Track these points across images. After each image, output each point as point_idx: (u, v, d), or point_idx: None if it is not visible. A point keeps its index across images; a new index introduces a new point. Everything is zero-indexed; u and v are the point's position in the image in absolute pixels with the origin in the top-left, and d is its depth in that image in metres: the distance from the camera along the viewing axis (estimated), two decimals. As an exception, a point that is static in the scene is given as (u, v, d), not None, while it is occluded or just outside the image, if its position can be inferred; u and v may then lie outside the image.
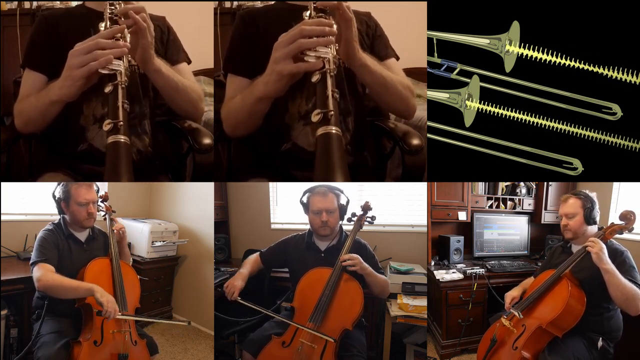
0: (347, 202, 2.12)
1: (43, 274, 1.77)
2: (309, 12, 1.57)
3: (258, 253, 2.24)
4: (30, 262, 1.85)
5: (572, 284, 1.78)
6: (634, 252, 1.86)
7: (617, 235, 1.83)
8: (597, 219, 1.95)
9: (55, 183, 1.94)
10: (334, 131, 1.46)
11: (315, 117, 1.47)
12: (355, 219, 2.11)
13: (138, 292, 2.01)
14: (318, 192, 2.07)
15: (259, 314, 1.93)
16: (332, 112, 1.47)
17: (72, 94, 1.63)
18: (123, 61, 1.58)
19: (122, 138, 1.52)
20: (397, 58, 1.95)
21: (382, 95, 1.80)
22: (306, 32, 1.51)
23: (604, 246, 1.74)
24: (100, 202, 2.08)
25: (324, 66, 1.51)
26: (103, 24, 1.63)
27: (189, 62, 2.03)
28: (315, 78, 1.52)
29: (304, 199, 2.12)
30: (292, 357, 1.78)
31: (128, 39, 1.62)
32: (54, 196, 1.97)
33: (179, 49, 2.00)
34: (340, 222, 2.13)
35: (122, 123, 1.53)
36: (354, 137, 1.87)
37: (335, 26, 1.55)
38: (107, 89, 1.56)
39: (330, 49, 1.52)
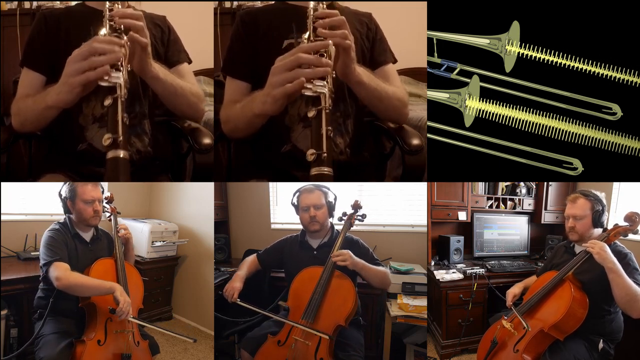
0: (335, 199, 2.15)
1: (62, 273, 1.75)
2: (307, 33, 1.57)
3: (255, 254, 2.26)
4: (42, 262, 1.82)
5: (575, 287, 1.76)
6: (636, 253, 1.85)
7: (621, 237, 1.79)
8: (605, 222, 1.89)
9: (61, 183, 1.93)
10: (326, 172, 1.50)
11: (310, 157, 1.51)
12: (345, 217, 2.12)
13: (141, 293, 2.01)
14: (305, 189, 2.11)
15: (259, 314, 1.94)
16: (326, 154, 1.50)
17: (69, 101, 1.62)
18: (122, 73, 1.55)
19: (121, 153, 1.51)
20: (395, 61, 1.96)
21: (375, 106, 1.84)
22: (302, 61, 1.52)
23: (604, 244, 1.71)
24: (106, 203, 2.07)
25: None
26: (102, 31, 1.59)
27: (190, 62, 2.03)
28: (311, 114, 1.54)
29: (294, 200, 2.15)
30: (287, 355, 1.79)
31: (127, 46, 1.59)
32: (60, 195, 1.96)
33: (179, 49, 2.00)
34: (331, 220, 2.15)
35: (121, 138, 1.51)
36: (353, 137, 1.87)
37: (333, 48, 1.56)
38: (107, 102, 1.54)
39: (327, 80, 1.53)
